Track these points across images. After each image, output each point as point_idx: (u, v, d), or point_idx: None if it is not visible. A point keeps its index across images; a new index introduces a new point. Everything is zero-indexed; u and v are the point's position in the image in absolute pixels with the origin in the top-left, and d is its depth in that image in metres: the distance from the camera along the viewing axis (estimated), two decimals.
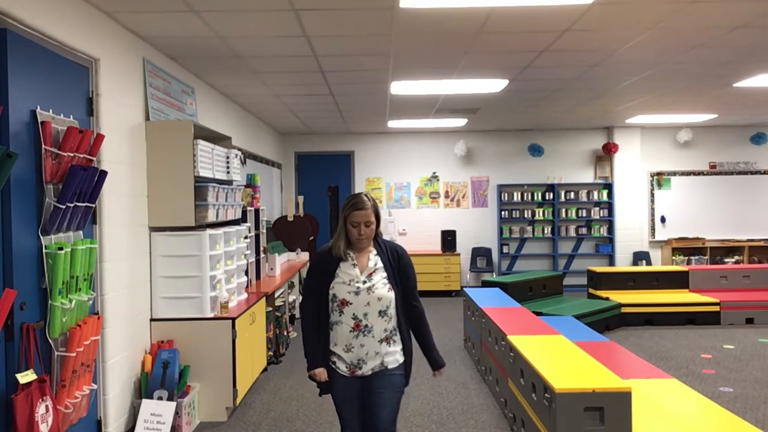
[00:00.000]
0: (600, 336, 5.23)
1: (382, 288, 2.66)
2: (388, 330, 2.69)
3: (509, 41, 4.57)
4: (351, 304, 2.64)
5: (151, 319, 4.33)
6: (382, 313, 2.66)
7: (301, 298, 8.11)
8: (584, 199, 10.17)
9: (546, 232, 10.22)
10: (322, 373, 2.69)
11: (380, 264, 2.70)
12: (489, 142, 10.30)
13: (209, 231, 4.44)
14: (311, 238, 8.60)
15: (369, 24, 4.08)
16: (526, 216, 10.19)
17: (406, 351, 2.76)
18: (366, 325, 2.64)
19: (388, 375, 2.68)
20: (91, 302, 3.29)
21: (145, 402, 3.90)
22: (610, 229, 10.19)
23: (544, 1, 3.66)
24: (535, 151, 10.25)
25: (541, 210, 10.20)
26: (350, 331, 2.64)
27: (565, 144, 10.29)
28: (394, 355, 2.70)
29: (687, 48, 4.88)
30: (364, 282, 2.65)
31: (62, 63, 3.25)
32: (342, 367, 2.69)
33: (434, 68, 5.43)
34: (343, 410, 2.73)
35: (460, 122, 9.06)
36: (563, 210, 10.20)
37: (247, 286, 5.49)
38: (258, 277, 6.44)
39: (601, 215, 10.19)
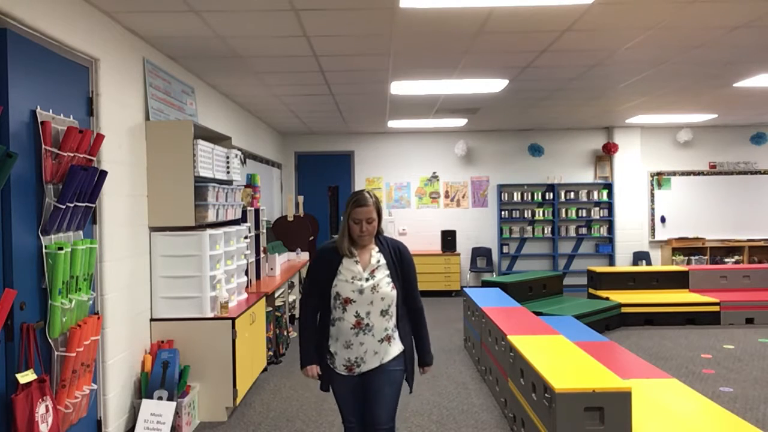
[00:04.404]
0: (600, 336, 5.23)
1: (386, 287, 2.67)
2: (389, 329, 2.70)
3: (509, 41, 4.57)
4: (354, 302, 2.65)
5: (151, 319, 4.33)
6: (383, 312, 2.67)
7: (301, 295, 8.11)
8: (584, 199, 10.17)
9: (546, 232, 10.22)
10: (312, 369, 2.74)
11: (383, 261, 2.71)
12: (489, 142, 10.30)
13: (209, 231, 4.44)
14: (311, 238, 8.60)
15: (369, 24, 4.08)
16: (526, 216, 10.19)
17: (407, 348, 2.77)
18: (367, 324, 2.65)
19: (387, 371, 2.69)
20: (91, 302, 3.29)
21: (145, 402, 3.90)
22: (610, 229, 10.19)
23: (544, 1, 3.66)
24: (535, 151, 10.25)
25: (541, 210, 10.20)
26: (351, 328, 2.65)
27: (565, 144, 10.29)
28: (393, 353, 2.71)
29: (687, 48, 4.88)
30: (367, 279, 2.66)
31: (62, 63, 3.25)
32: (340, 366, 2.70)
33: (434, 68, 5.43)
34: (343, 407, 2.78)
35: (460, 122, 9.06)
36: (563, 210, 10.20)
37: (247, 286, 5.49)
38: (258, 277, 6.44)
39: (601, 215, 10.19)
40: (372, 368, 2.68)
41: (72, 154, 3.08)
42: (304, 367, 2.75)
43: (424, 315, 2.86)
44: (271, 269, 6.71)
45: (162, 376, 4.02)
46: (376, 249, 2.74)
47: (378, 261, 2.71)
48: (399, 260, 2.75)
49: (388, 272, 2.70)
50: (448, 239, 9.87)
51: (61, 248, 2.93)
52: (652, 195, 10.21)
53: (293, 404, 4.73)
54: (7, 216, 2.75)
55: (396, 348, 2.73)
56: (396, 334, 2.73)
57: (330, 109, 7.71)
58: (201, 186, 4.46)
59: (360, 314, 2.65)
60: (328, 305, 2.71)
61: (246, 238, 5.50)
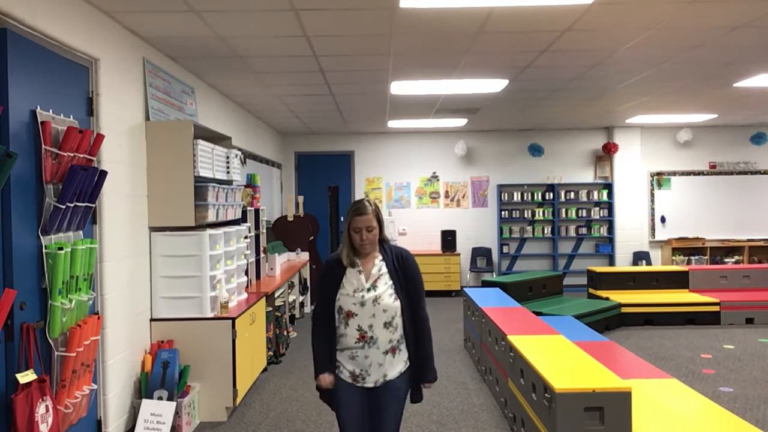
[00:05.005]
0: (600, 336, 5.23)
1: (388, 298, 2.61)
2: (393, 341, 2.64)
3: (509, 41, 4.57)
4: (356, 315, 2.61)
5: (151, 319, 4.33)
6: (387, 324, 2.62)
7: (301, 298, 8.12)
8: (584, 199, 10.17)
9: (546, 232, 10.22)
10: (326, 378, 2.66)
11: (384, 269, 2.66)
12: (489, 142, 10.30)
13: (209, 231, 4.44)
14: (311, 238, 8.60)
15: (369, 24, 4.08)
16: (526, 216, 10.19)
17: (412, 358, 2.72)
18: (371, 337, 2.61)
19: (392, 387, 2.65)
20: (91, 302, 3.29)
21: (145, 402, 3.90)
22: (610, 229, 10.18)
23: (544, 1, 3.66)
24: (535, 151, 10.25)
25: (541, 210, 10.20)
26: (355, 342, 2.62)
27: (565, 144, 10.29)
28: (398, 367, 2.67)
29: (687, 48, 4.88)
30: (369, 290, 2.61)
31: (62, 63, 3.25)
32: (346, 374, 2.66)
33: (434, 68, 5.43)
34: (342, 415, 2.68)
35: (460, 122, 9.06)
36: (563, 210, 10.20)
37: (247, 286, 5.49)
38: (258, 277, 6.44)
39: (601, 215, 10.19)
40: (377, 384, 2.64)
41: (72, 154, 3.08)
42: (318, 376, 2.68)
43: (429, 327, 2.74)
44: (271, 269, 6.71)
45: (162, 376, 4.02)
46: (380, 257, 2.69)
47: (380, 270, 2.66)
48: (402, 268, 2.69)
49: (390, 282, 2.65)
50: (448, 239, 9.87)
51: (61, 248, 2.93)
52: (652, 195, 10.21)
53: (293, 404, 4.73)
54: (7, 216, 2.75)
55: (401, 361, 2.68)
56: (402, 345, 2.68)
57: (330, 109, 7.71)
58: (201, 186, 4.46)
59: (362, 328, 2.60)
60: (335, 318, 2.69)
61: (246, 238, 5.50)
